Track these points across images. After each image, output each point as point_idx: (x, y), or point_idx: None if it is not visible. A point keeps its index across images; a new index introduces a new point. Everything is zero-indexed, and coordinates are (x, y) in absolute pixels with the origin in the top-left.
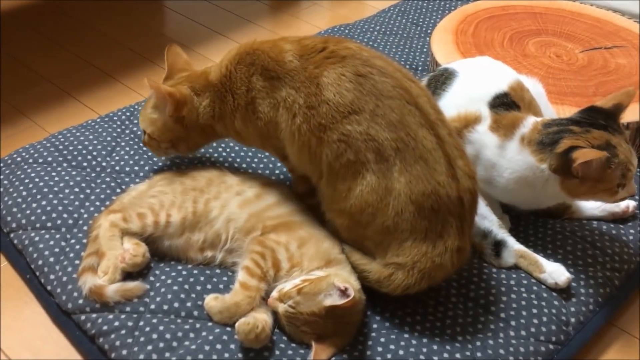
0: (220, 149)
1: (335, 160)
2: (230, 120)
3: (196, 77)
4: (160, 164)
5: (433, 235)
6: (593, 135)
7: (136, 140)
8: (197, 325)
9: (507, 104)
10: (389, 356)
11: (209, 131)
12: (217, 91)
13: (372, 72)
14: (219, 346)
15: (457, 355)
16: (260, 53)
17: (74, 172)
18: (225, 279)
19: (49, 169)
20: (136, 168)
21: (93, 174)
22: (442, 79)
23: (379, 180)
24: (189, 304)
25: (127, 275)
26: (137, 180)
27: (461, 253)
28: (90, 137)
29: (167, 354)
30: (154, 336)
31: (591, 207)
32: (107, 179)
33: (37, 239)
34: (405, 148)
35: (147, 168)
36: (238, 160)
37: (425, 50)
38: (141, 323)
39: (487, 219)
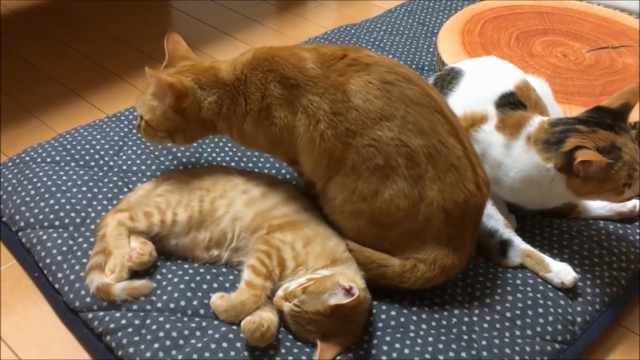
0: (227, 149)
1: (361, 164)
2: (238, 122)
3: (202, 71)
4: (167, 163)
5: (455, 240)
6: (599, 136)
7: (143, 140)
8: (204, 324)
9: (513, 103)
10: (394, 355)
11: (210, 126)
12: (228, 91)
13: (398, 78)
14: (225, 344)
15: (463, 354)
16: (280, 60)
17: (81, 172)
18: (231, 277)
19: (56, 168)
20: (143, 167)
21: (100, 173)
22: (448, 79)
23: (411, 187)
24: (195, 303)
25: (134, 274)
26: (144, 179)
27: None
28: (98, 136)
29: (174, 352)
30: (161, 334)
31: (598, 206)
32: (115, 178)
33: (45, 237)
34: (437, 155)
35: (154, 167)
36: (244, 159)
37: (431, 50)
38: (148, 321)
39: (493, 218)
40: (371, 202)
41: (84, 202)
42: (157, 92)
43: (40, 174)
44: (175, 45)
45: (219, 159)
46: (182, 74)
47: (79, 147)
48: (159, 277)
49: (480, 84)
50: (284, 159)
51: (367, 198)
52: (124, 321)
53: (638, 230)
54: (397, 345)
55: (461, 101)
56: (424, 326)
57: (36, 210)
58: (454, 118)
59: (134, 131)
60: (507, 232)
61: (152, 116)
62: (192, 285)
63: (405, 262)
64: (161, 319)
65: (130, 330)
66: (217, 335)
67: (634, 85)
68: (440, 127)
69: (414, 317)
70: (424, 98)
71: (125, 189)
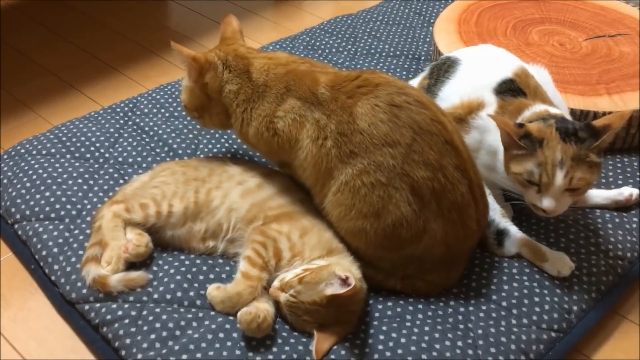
0: (222, 140)
1: (357, 181)
2: (244, 123)
3: (235, 55)
4: (163, 155)
5: (451, 265)
6: (541, 126)
7: (139, 131)
8: (200, 315)
9: (513, 90)
10: (390, 344)
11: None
12: (249, 89)
13: (408, 100)
14: (221, 335)
15: (459, 343)
16: (303, 84)
17: (77, 164)
18: (227, 268)
19: (52, 160)
20: (139, 159)
21: (96, 165)
22: (444, 67)
23: (416, 216)
24: (191, 294)
25: (131, 265)
26: (140, 171)
27: None
28: (93, 128)
29: (170, 343)
30: (157, 325)
31: (594, 195)
32: (110, 170)
33: (41, 230)
34: (441, 190)
35: (149, 159)
36: (240, 151)
37: (428, 39)
38: (144, 312)
39: (490, 208)
40: (373, 222)
41: (80, 194)
42: (188, 71)
43: (36, 166)
44: (226, 27)
45: (215, 150)
46: (211, 50)
47: (74, 140)
48: (155, 268)
49: (477, 71)
50: (277, 164)
51: (368, 217)
52: (120, 312)
53: (634, 219)
54: (394, 335)
55: (458, 89)
56: (420, 316)
57: (32, 203)
58: (463, 148)
59: (130, 123)
60: (503, 221)
61: (184, 96)
62: (189, 276)
63: (406, 281)
64: (158, 310)
65: (126, 321)
66: (213, 326)
67: (625, 112)
68: (447, 160)
69: (410, 307)
70: (434, 125)
71: (121, 181)
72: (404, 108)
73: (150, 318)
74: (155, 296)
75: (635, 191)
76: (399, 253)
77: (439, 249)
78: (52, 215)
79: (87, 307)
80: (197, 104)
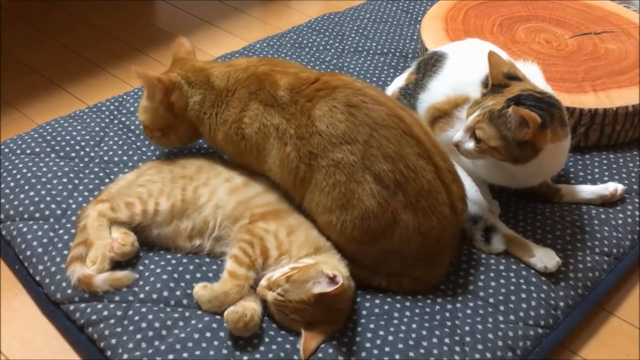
0: None
1: (322, 181)
2: (212, 129)
3: (194, 70)
4: (149, 153)
5: (434, 257)
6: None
7: (125, 130)
8: (187, 314)
9: None
10: (378, 342)
11: (196, 128)
12: (213, 96)
13: (364, 100)
14: (208, 334)
15: (446, 340)
16: (263, 87)
17: (62, 163)
18: (214, 267)
19: (37, 159)
20: (125, 158)
21: (81, 165)
22: (432, 62)
23: (383, 209)
24: (178, 293)
25: (116, 265)
26: (126, 170)
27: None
28: (79, 127)
29: (157, 343)
30: (143, 325)
31: (580, 190)
32: (96, 169)
33: (25, 229)
34: (405, 181)
35: (135, 158)
36: None
37: (415, 37)
38: (130, 312)
39: (477, 204)
40: (339, 215)
41: (65, 193)
42: (147, 92)
43: (20, 165)
44: (179, 48)
45: (202, 150)
46: (171, 71)
47: (59, 139)
48: (141, 267)
49: (464, 66)
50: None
51: (333, 210)
52: (106, 312)
53: (620, 215)
54: (381, 333)
55: (448, 83)
56: (407, 313)
57: (16, 202)
58: (425, 137)
59: (115, 122)
60: (491, 218)
61: (146, 117)
62: (175, 275)
63: (391, 278)
64: (144, 309)
65: (112, 321)
66: (200, 326)
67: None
68: (408, 150)
69: (398, 305)
70: (390, 119)
71: (107, 180)
72: (360, 107)
73: (136, 318)
74: (142, 296)
75: (620, 186)
76: (375, 246)
77: (415, 239)
78: (37, 215)
79: (72, 307)
80: (162, 123)
